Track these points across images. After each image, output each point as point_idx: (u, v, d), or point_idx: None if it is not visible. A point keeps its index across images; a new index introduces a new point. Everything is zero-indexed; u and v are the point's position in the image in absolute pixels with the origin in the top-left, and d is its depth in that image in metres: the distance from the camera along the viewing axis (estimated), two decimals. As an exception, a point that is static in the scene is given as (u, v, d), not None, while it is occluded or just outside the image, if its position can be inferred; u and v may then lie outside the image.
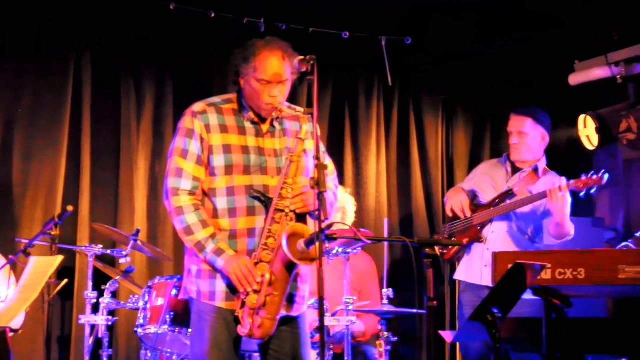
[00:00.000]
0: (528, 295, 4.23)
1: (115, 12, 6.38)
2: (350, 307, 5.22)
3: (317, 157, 3.68)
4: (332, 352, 5.37)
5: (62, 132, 6.27)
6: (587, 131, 6.89)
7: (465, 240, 5.66)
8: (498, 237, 5.59)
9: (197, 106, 4.00)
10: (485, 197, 5.72)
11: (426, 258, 3.67)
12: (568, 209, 5.37)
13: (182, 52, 6.66)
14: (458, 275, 5.75)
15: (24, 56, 6.26)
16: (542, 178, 5.67)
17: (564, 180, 5.35)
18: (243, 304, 3.82)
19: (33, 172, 6.23)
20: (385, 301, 5.43)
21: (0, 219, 6.14)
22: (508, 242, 5.58)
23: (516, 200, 5.54)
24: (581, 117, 6.89)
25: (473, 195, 5.79)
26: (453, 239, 5.69)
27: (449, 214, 5.77)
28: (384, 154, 7.33)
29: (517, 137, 5.68)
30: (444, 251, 5.73)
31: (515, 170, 5.75)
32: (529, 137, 5.66)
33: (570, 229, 5.49)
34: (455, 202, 5.73)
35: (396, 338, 5.45)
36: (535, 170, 5.70)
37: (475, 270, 5.60)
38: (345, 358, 5.23)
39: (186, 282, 4.04)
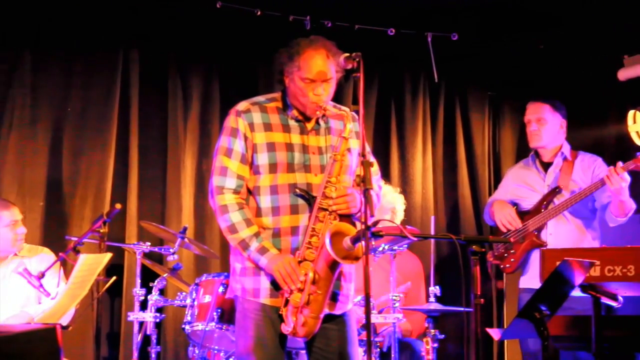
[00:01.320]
0: (577, 293, 4.18)
1: (162, 11, 6.43)
2: (397, 305, 5.21)
3: (362, 155, 3.68)
4: (378, 349, 5.37)
5: (111, 131, 6.33)
6: (637, 127, 6.80)
7: (524, 248, 5.59)
8: (558, 237, 5.51)
9: (241, 105, 4.02)
10: (527, 203, 5.66)
11: (473, 255, 3.65)
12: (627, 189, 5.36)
13: (229, 50, 6.69)
14: (524, 284, 5.67)
15: (73, 56, 6.32)
16: (577, 162, 5.64)
17: (619, 163, 5.30)
18: (287, 302, 3.83)
19: (82, 170, 6.29)
20: (432, 299, 5.40)
21: (50, 217, 6.21)
22: (570, 238, 5.52)
23: (574, 195, 5.47)
24: (630, 113, 6.80)
25: (513, 205, 5.73)
26: (511, 251, 5.62)
27: (502, 229, 5.68)
28: (430, 151, 7.30)
29: (537, 124, 5.66)
30: (507, 265, 5.66)
31: (545, 166, 5.71)
32: (548, 123, 5.65)
33: (632, 202, 5.45)
34: (504, 215, 5.66)
35: (443, 336, 5.42)
36: (565, 157, 5.66)
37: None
38: (392, 355, 5.23)
39: (231, 281, 4.06)
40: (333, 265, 3.79)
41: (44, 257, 5.58)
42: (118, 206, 5.03)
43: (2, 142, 6.12)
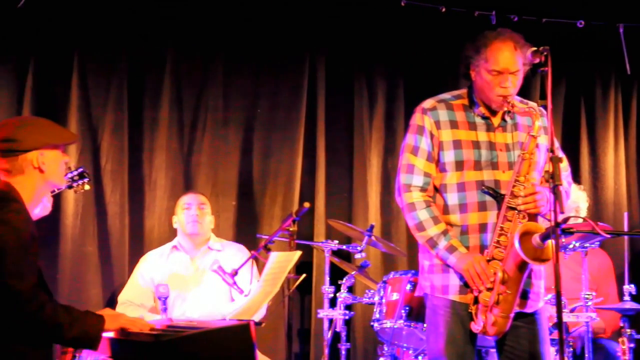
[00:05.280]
0: None
1: (347, 12, 6.49)
2: (590, 303, 5.08)
3: (551, 150, 3.61)
4: (571, 349, 5.25)
5: (298, 131, 6.44)
6: None
7: None
8: None
9: (427, 103, 4.02)
10: None
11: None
12: None
13: (413, 48, 6.68)
14: None
15: (262, 59, 6.47)
16: None
17: None
18: (476, 300, 3.80)
19: (271, 170, 6.44)
20: (626, 297, 5.24)
21: (242, 216, 6.38)
22: None
23: None
24: None
25: None
26: None
27: None
28: (622, 145, 7.05)
29: None
30: None
31: None
32: None
33: None
34: None
35: (640, 335, 5.26)
36: None
37: None
38: (586, 355, 5.10)
39: (420, 278, 4.07)
40: (522, 266, 3.74)
41: (233, 250, 5.75)
42: (307, 205, 5.12)
43: (197, 144, 6.34)
